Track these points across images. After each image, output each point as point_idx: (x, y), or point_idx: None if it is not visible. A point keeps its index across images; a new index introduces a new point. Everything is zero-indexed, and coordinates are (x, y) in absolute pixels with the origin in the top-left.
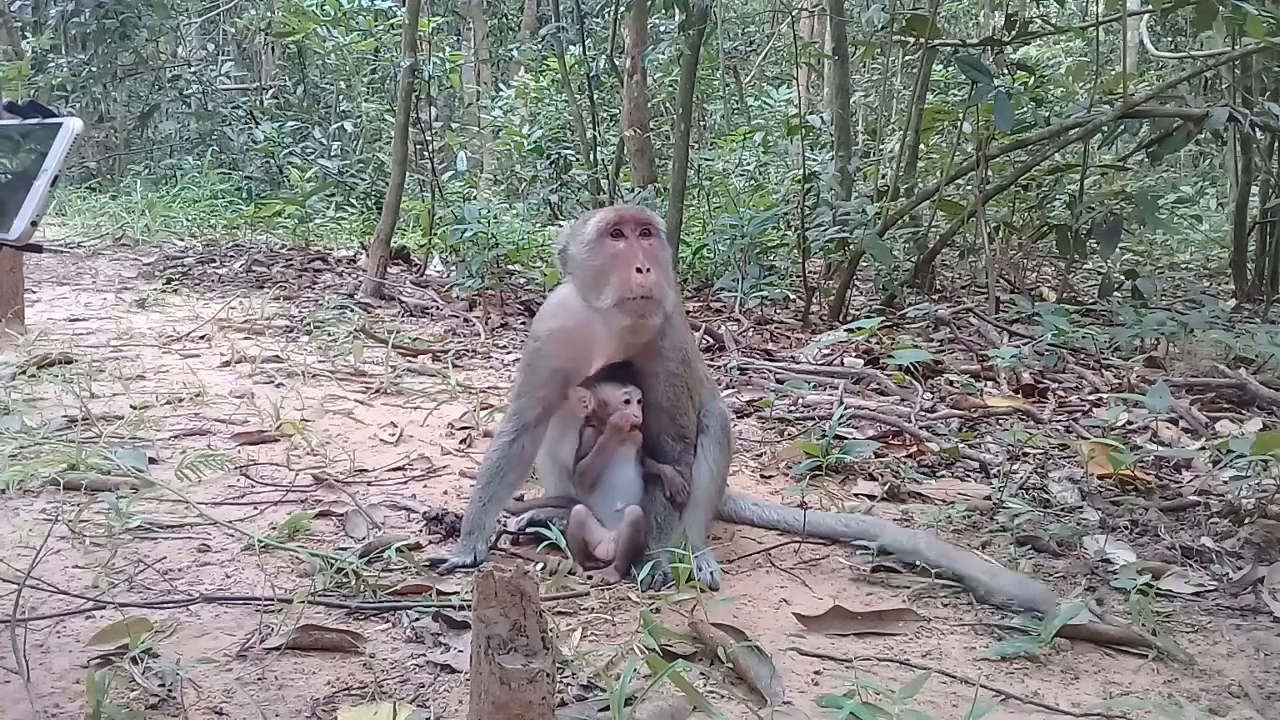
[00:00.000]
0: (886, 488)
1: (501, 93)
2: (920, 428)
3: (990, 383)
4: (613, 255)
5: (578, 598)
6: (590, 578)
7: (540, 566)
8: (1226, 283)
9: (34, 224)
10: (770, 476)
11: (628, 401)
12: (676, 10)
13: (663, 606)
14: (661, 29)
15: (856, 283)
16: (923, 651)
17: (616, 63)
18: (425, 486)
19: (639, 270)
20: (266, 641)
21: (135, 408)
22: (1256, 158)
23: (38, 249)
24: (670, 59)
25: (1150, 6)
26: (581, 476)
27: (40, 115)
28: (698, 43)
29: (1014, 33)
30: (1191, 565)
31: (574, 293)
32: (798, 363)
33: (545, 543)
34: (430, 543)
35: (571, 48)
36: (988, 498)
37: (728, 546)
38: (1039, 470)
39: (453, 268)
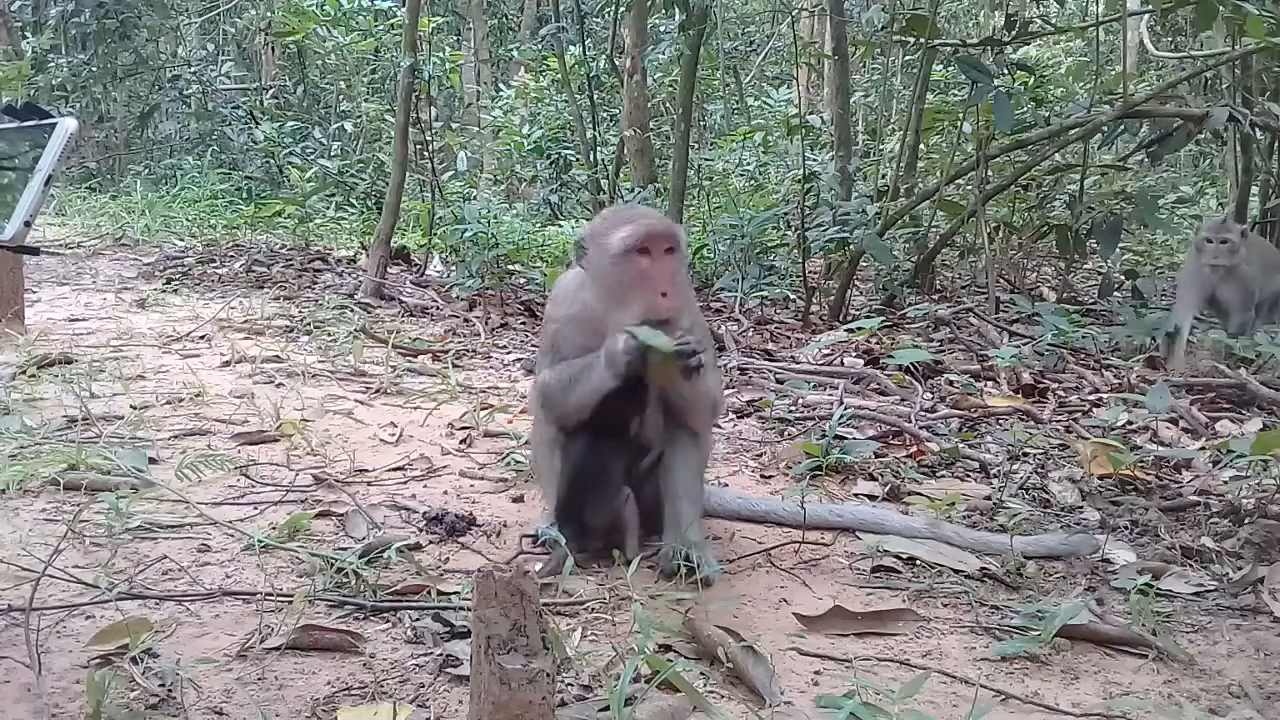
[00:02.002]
0: (887, 487)
1: (501, 93)
2: (920, 428)
3: (990, 383)
4: (638, 274)
5: (578, 578)
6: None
7: (539, 567)
8: None
9: (28, 224)
10: (770, 476)
11: None
12: (676, 10)
13: (661, 606)
14: (662, 29)
15: (856, 283)
16: (923, 651)
17: (616, 63)
18: (425, 486)
19: (663, 295)
20: (266, 641)
21: (135, 408)
22: (1256, 158)
23: (35, 251)
24: (670, 59)
25: (1150, 6)
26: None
27: (37, 117)
28: (698, 43)
29: (1014, 33)
30: (1191, 565)
31: (588, 282)
32: (798, 363)
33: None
34: (430, 543)
35: (571, 48)
36: (988, 498)
37: (728, 547)
38: (1039, 470)
39: (453, 268)
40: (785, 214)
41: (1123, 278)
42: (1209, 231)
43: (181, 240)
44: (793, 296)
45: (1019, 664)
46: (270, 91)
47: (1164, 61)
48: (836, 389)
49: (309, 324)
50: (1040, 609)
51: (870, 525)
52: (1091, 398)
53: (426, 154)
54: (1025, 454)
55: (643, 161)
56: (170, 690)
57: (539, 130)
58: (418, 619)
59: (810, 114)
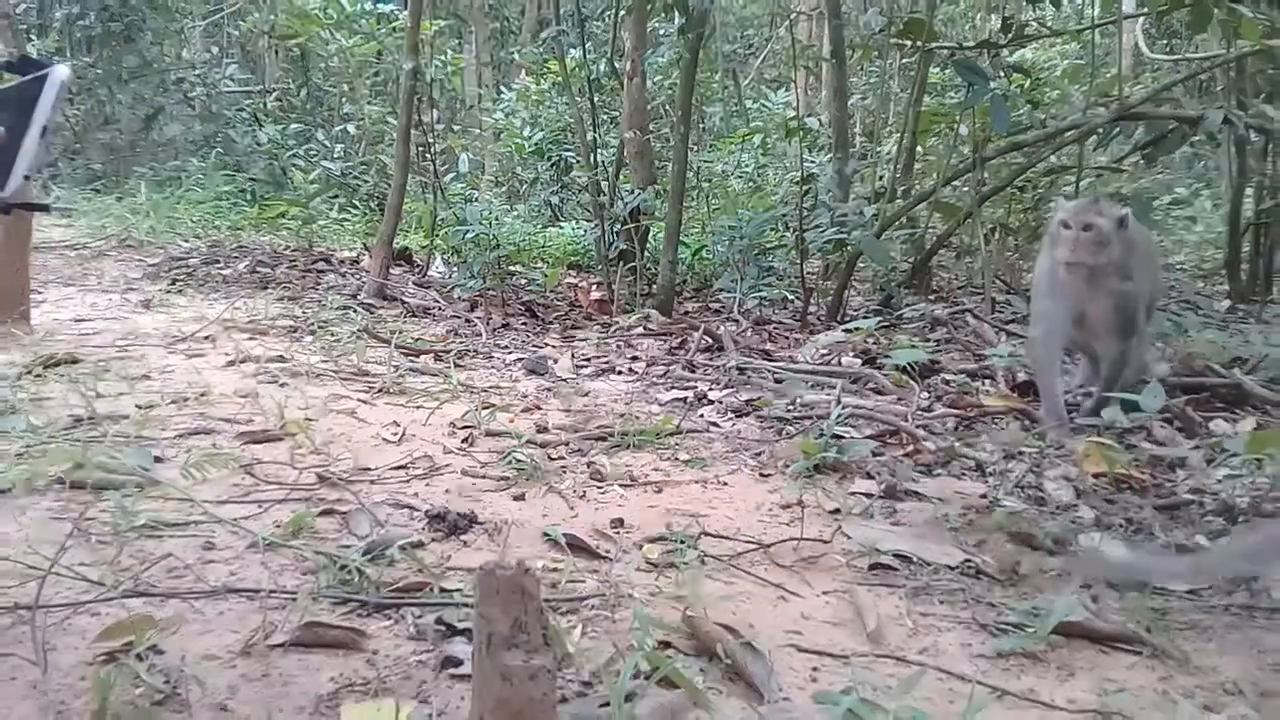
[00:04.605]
0: (883, 486)
1: (503, 95)
2: (917, 427)
3: (987, 382)
4: None
5: (578, 579)
6: None
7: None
8: (1221, 283)
9: (27, 178)
10: (769, 475)
11: None
12: (676, 14)
13: (661, 603)
14: (661, 32)
15: (854, 283)
16: (919, 648)
17: (617, 66)
18: (428, 485)
19: None
20: (271, 638)
21: (140, 407)
22: (1251, 160)
23: (44, 208)
24: (670, 62)
25: (1145, 9)
26: None
27: (35, 69)
28: (697, 46)
29: (1010, 36)
30: None
31: None
32: (796, 363)
33: None
34: (432, 540)
35: (572, 51)
36: (983, 496)
37: (727, 544)
38: (1034, 469)
39: (454, 269)
40: (783, 215)
41: None
42: (1069, 213)
43: (186, 241)
44: (791, 297)
45: (1015, 660)
46: (274, 94)
47: (1159, 64)
48: (834, 389)
49: (313, 324)
50: (1036, 606)
51: None
52: None
53: (428, 156)
54: (1021, 453)
55: (643, 163)
56: (175, 687)
57: (540, 132)
58: (420, 616)
59: (808, 116)
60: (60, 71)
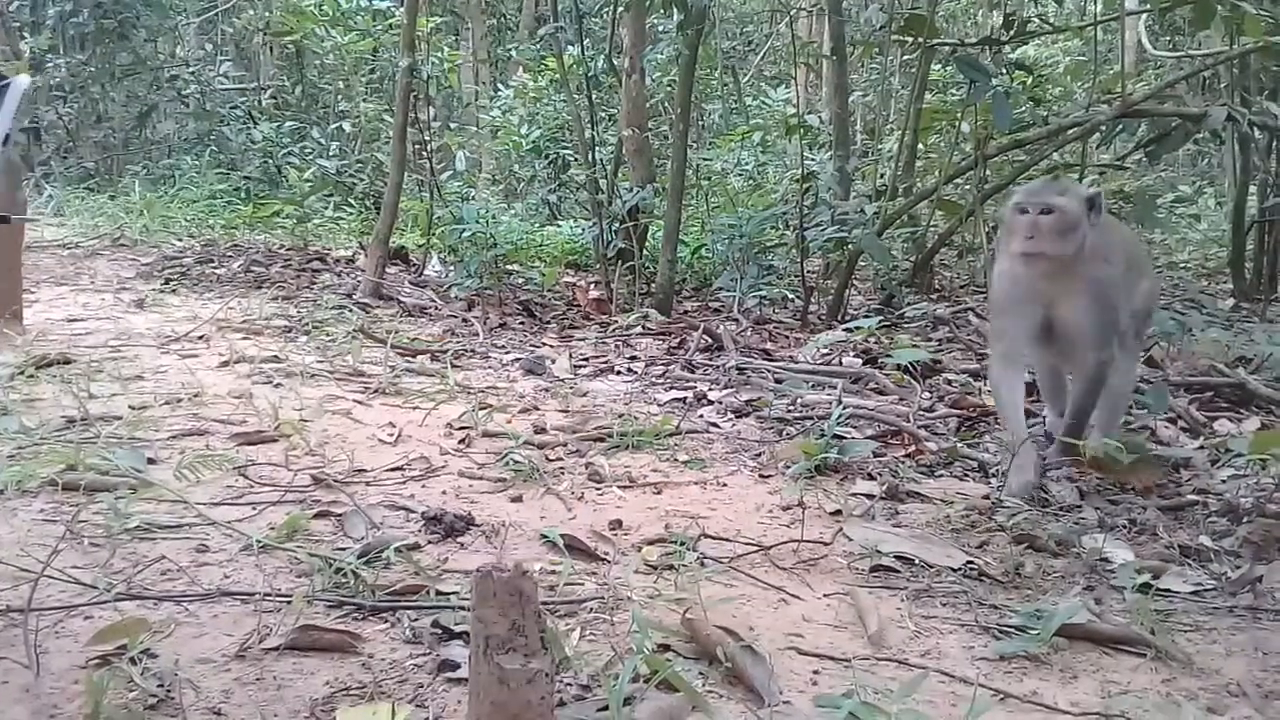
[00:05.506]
0: (885, 487)
1: (500, 93)
2: (919, 427)
3: (989, 382)
4: None
5: (576, 581)
6: None
7: None
8: (1225, 282)
9: None
10: (769, 476)
11: None
12: (675, 10)
13: (659, 605)
14: (660, 29)
15: (855, 282)
16: (921, 651)
17: (615, 63)
18: (424, 486)
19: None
20: (265, 642)
21: (134, 408)
22: (1255, 157)
23: (3, 219)
24: (669, 59)
25: (1148, 6)
26: None
27: None
28: (696, 42)
29: (1012, 32)
30: (1190, 564)
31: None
32: (796, 362)
33: None
34: (429, 543)
35: (570, 48)
36: (986, 497)
37: (727, 546)
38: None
39: (451, 268)
40: (784, 214)
41: None
42: (1024, 195)
43: (180, 240)
44: (791, 296)
45: (1018, 663)
46: (268, 91)
47: (1162, 61)
48: (835, 389)
49: (307, 324)
50: (1039, 608)
51: None
52: None
53: (425, 154)
54: None
55: (641, 161)
56: (169, 690)
57: (537, 130)
58: (416, 619)
59: (808, 114)
60: (21, 81)
